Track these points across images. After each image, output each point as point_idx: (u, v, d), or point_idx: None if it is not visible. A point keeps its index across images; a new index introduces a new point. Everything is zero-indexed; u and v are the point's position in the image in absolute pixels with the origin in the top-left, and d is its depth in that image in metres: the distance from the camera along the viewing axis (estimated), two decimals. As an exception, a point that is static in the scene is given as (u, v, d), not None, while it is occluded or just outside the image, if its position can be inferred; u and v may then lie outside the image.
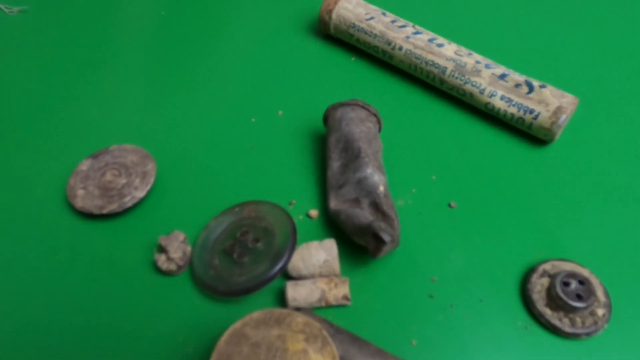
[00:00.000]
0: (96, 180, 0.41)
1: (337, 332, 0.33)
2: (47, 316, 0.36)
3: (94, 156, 0.43)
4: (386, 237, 0.35)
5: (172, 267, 0.37)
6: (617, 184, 0.41)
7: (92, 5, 0.57)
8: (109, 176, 0.41)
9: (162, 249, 0.37)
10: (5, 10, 0.57)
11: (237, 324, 0.30)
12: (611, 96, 0.47)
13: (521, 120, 0.43)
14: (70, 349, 0.35)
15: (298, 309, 0.35)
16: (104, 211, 0.39)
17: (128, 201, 0.40)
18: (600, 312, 0.35)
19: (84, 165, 0.42)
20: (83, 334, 0.35)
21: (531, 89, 0.43)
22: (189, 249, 0.38)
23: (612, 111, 0.46)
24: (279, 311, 0.31)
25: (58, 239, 0.39)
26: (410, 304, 0.36)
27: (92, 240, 0.39)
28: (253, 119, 0.47)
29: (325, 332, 0.30)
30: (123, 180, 0.41)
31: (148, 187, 0.40)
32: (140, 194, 0.40)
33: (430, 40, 0.47)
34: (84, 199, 0.40)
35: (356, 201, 0.38)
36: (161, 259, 0.37)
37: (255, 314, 0.31)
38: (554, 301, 0.35)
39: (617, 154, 0.43)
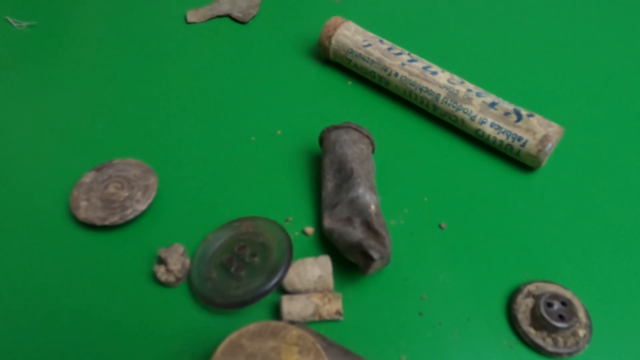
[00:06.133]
0: (99, 193, 0.42)
1: (330, 346, 0.34)
2: (47, 324, 0.37)
3: (98, 169, 0.44)
4: (375, 255, 0.36)
5: (171, 278, 0.38)
6: (599, 210, 0.43)
7: (99, 20, 0.59)
8: (111, 189, 0.42)
9: (161, 261, 0.38)
10: (15, 24, 0.59)
11: (233, 335, 0.31)
12: (594, 127, 0.49)
13: (510, 147, 0.45)
14: (68, 357, 0.36)
15: (292, 323, 0.36)
16: (106, 223, 0.40)
17: (130, 213, 0.41)
18: (581, 332, 0.36)
19: (88, 177, 0.43)
20: (81, 341, 0.36)
21: (519, 117, 0.45)
22: (187, 261, 0.39)
23: (595, 141, 0.48)
24: (274, 324, 0.32)
25: (60, 249, 0.41)
26: (400, 321, 0.37)
27: (94, 251, 0.40)
28: (253, 138, 0.48)
29: (318, 345, 0.31)
30: (125, 193, 0.42)
31: (149, 201, 0.42)
32: (141, 207, 0.41)
33: (425, 68, 0.49)
34: (86, 210, 0.41)
35: (349, 220, 0.40)
36: (160, 271, 0.38)
37: (251, 326, 0.32)
38: (537, 321, 0.36)
39: (599, 182, 0.45)
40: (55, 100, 0.51)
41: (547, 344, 0.36)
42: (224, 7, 0.61)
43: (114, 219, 0.41)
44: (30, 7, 0.61)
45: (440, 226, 0.43)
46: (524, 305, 0.37)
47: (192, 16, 0.60)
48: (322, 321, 0.37)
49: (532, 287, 0.38)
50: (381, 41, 0.52)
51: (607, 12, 0.60)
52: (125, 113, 0.50)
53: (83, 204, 0.42)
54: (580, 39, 0.57)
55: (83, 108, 0.51)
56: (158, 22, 0.59)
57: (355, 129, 0.44)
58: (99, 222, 0.40)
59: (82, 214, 0.41)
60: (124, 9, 0.61)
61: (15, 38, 0.57)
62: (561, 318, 0.36)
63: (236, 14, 0.60)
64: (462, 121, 0.47)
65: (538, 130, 0.44)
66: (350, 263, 0.40)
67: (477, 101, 0.47)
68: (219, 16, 0.60)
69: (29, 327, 0.37)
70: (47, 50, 0.56)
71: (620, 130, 0.49)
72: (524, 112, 0.46)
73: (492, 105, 0.46)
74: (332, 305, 0.37)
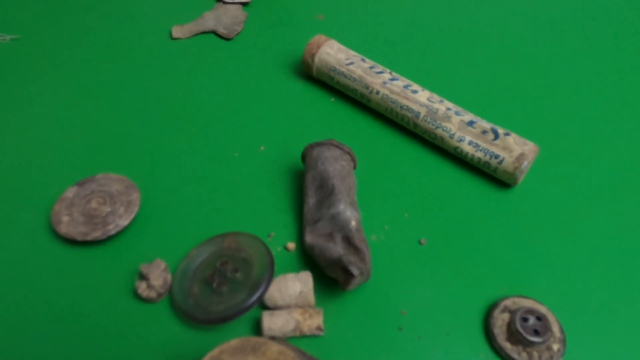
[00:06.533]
0: (81, 208, 0.42)
1: (310, 361, 0.35)
2: (26, 339, 0.37)
3: (80, 184, 0.44)
4: (355, 271, 0.37)
5: (153, 294, 0.38)
6: (574, 227, 0.45)
7: (85, 34, 0.60)
8: (94, 204, 0.42)
9: (143, 277, 0.39)
10: (-2, 38, 0.59)
11: (214, 351, 0.32)
12: (569, 145, 0.51)
13: (487, 164, 0.47)
14: (46, 373, 0.35)
15: (273, 338, 0.36)
16: (88, 238, 0.40)
17: (112, 229, 0.41)
18: (555, 347, 0.37)
19: (70, 192, 0.43)
20: (61, 358, 0.36)
21: (496, 136, 0.47)
22: (169, 277, 0.39)
23: (569, 158, 0.50)
24: (255, 340, 0.32)
25: (41, 264, 0.40)
26: (380, 336, 0.38)
27: (75, 267, 0.40)
28: (236, 154, 0.49)
29: (298, 361, 0.31)
30: (108, 209, 0.42)
31: (132, 216, 0.42)
32: (124, 222, 0.41)
33: (406, 87, 0.50)
34: (68, 225, 0.41)
35: (330, 235, 0.40)
36: (142, 287, 0.38)
37: (233, 342, 0.32)
38: (513, 335, 0.37)
39: (573, 199, 0.47)
40: (38, 114, 0.51)
41: (522, 358, 0.37)
42: (209, 23, 0.61)
43: (96, 234, 0.41)
44: (14, 21, 0.61)
45: (419, 242, 0.43)
46: (500, 320, 0.38)
47: (177, 32, 0.60)
48: (303, 336, 0.37)
49: (508, 302, 0.39)
50: (363, 60, 0.53)
51: (581, 33, 0.62)
52: (108, 128, 0.50)
53: (65, 219, 0.42)
54: (555, 60, 0.59)
55: (66, 122, 0.51)
56: (143, 37, 0.60)
57: (337, 146, 0.44)
58: (80, 238, 0.40)
59: (63, 229, 0.41)
60: (109, 24, 0.61)
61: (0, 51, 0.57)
62: (536, 333, 0.37)
63: (221, 30, 0.60)
64: (442, 139, 0.48)
65: (514, 149, 0.46)
66: (331, 278, 0.41)
67: (455, 119, 0.48)
68: (204, 32, 0.61)
69: (8, 342, 0.37)
70: (31, 64, 0.56)
71: (593, 149, 0.50)
72: (500, 131, 0.47)
73: (470, 123, 0.48)
74: (313, 321, 0.37)
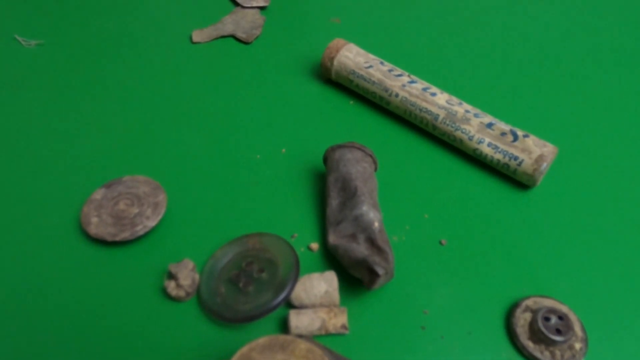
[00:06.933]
0: (109, 209, 0.43)
1: (337, 359, 0.35)
2: (58, 339, 0.38)
3: (108, 186, 0.45)
4: (380, 270, 0.38)
5: (181, 293, 0.39)
6: (593, 227, 0.45)
7: (107, 39, 0.61)
8: (122, 205, 0.43)
9: (172, 276, 0.39)
10: (23, 43, 0.60)
11: (244, 349, 0.32)
12: (587, 147, 0.51)
13: (506, 166, 0.47)
14: (80, 370, 0.37)
15: (300, 337, 0.37)
16: (117, 239, 0.41)
17: (140, 230, 0.42)
18: (577, 346, 0.38)
19: (98, 194, 0.44)
20: (92, 356, 0.37)
21: (515, 137, 0.47)
22: (197, 276, 0.40)
23: (588, 160, 0.50)
24: (283, 337, 0.33)
25: (71, 265, 0.41)
26: (403, 334, 0.39)
27: (104, 266, 0.41)
28: (258, 156, 0.50)
29: (327, 359, 0.32)
30: (135, 210, 0.43)
31: (159, 217, 0.43)
32: (151, 223, 0.42)
33: (425, 89, 0.51)
34: (97, 226, 0.42)
35: (353, 236, 0.41)
36: (171, 286, 0.39)
37: (262, 340, 0.33)
38: (535, 335, 0.38)
39: (592, 199, 0.47)
40: (64, 118, 0.53)
41: (544, 357, 0.37)
42: (228, 28, 0.62)
43: (125, 235, 0.42)
44: (38, 26, 0.62)
45: (440, 242, 0.44)
46: (522, 320, 0.39)
47: (197, 36, 0.61)
48: (329, 335, 0.38)
49: (529, 302, 0.40)
50: (382, 63, 0.53)
51: (599, 36, 0.62)
52: (133, 131, 0.51)
53: (94, 220, 0.43)
54: (574, 62, 0.59)
55: (92, 126, 0.52)
56: (164, 42, 0.61)
57: (359, 148, 0.45)
58: (109, 238, 0.41)
59: (93, 230, 0.42)
60: (131, 29, 0.62)
61: (25, 57, 0.59)
62: (558, 332, 0.37)
63: (240, 34, 0.61)
64: (461, 141, 0.49)
65: (533, 150, 0.46)
66: (355, 278, 0.42)
67: (474, 122, 0.48)
68: (223, 36, 0.62)
69: (41, 342, 0.38)
70: (56, 69, 0.57)
71: (612, 150, 0.51)
72: (519, 133, 0.47)
73: (489, 125, 0.48)
74: (338, 320, 0.38)
